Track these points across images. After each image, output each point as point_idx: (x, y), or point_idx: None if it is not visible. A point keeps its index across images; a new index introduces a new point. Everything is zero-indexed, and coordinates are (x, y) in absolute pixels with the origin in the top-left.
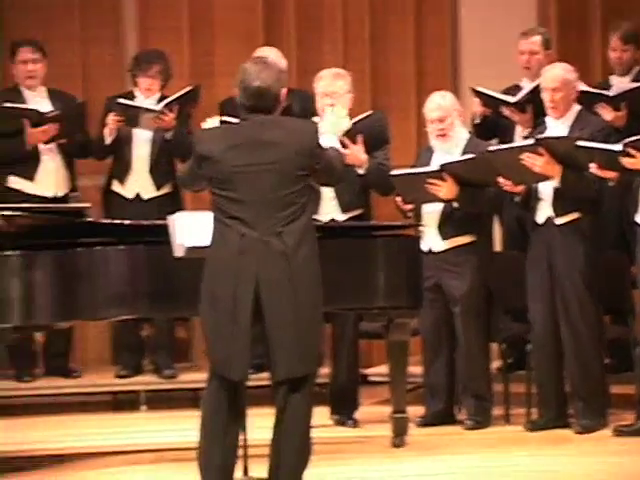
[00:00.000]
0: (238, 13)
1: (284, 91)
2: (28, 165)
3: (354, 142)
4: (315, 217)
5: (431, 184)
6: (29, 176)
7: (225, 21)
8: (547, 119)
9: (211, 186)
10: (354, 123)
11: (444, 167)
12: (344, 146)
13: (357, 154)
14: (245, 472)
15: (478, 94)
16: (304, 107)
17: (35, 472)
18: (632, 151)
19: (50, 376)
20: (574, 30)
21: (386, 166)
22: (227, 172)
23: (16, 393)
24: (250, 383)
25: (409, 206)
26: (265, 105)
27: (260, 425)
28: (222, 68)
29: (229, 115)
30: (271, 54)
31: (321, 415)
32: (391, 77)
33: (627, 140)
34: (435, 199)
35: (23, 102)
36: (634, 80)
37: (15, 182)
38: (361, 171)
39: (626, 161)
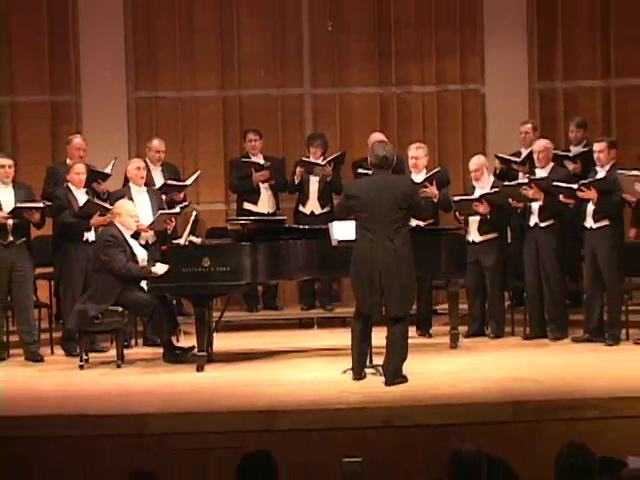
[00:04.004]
0: (367, 113)
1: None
2: (254, 195)
3: (431, 184)
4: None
5: (475, 205)
6: (254, 201)
7: (360, 117)
8: (536, 170)
9: (355, 211)
10: (432, 174)
11: (483, 196)
12: (426, 187)
13: (433, 191)
14: (370, 360)
15: (498, 157)
16: (400, 167)
17: (252, 362)
18: (583, 188)
19: (266, 309)
20: (550, 121)
21: (448, 197)
22: (364, 203)
23: (246, 319)
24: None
25: (462, 217)
26: (387, 165)
27: (379, 336)
28: (358, 142)
29: (360, 167)
30: (380, 135)
31: (411, 331)
32: (449, 149)
33: (581, 182)
34: (477, 213)
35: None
36: (583, 147)
37: (247, 205)
38: (435, 200)
39: (580, 194)
